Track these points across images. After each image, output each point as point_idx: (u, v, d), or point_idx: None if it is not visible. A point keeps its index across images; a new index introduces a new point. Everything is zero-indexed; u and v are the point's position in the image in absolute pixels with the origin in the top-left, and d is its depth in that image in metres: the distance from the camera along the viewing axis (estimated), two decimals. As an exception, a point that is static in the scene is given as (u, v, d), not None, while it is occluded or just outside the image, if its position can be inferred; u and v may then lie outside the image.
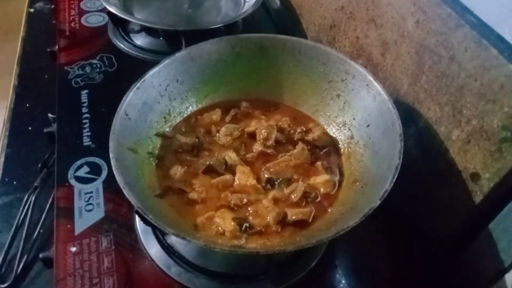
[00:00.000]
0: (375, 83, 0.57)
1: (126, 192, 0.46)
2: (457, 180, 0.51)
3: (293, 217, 0.52)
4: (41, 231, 0.61)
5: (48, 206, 0.62)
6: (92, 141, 0.67)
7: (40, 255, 0.55)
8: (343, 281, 0.55)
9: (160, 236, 0.56)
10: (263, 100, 0.67)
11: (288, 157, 0.59)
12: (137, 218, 0.57)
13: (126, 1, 0.91)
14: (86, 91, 0.75)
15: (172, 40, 0.80)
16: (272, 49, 0.66)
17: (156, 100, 0.61)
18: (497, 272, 0.48)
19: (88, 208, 0.58)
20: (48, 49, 0.85)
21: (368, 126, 0.58)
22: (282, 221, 0.52)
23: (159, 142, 0.60)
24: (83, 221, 0.57)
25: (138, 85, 0.58)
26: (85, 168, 0.63)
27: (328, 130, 0.63)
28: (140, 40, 0.86)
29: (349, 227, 0.43)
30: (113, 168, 0.48)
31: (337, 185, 0.56)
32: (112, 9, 0.81)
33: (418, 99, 0.57)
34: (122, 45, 0.86)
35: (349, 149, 0.60)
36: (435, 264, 0.55)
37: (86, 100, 0.73)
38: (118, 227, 0.57)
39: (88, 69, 0.80)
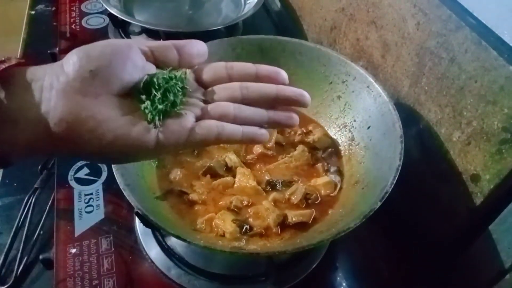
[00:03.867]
0: (376, 85, 0.57)
1: (126, 193, 0.46)
2: (457, 181, 0.51)
3: (294, 219, 0.52)
4: (41, 232, 0.61)
5: (48, 207, 0.62)
6: (93, 142, 0.66)
7: (40, 257, 0.55)
8: (344, 283, 0.55)
9: (160, 237, 0.56)
10: (263, 101, 0.67)
11: (288, 159, 0.59)
12: (137, 220, 0.57)
13: (127, 3, 0.91)
14: (86, 92, 0.75)
15: (173, 41, 0.80)
16: (272, 50, 0.65)
17: (156, 102, 0.61)
18: (498, 273, 0.48)
19: (88, 209, 0.58)
20: (49, 51, 0.85)
21: (368, 127, 0.58)
22: (283, 223, 0.52)
23: (160, 144, 0.60)
24: (83, 223, 0.57)
25: (138, 86, 0.58)
26: (85, 170, 0.63)
27: (328, 132, 0.63)
28: (141, 41, 0.86)
29: (349, 229, 0.43)
30: (114, 170, 0.48)
31: (338, 186, 0.56)
32: (112, 11, 0.81)
33: (418, 101, 0.57)
34: (122, 47, 0.86)
35: (350, 151, 0.60)
36: (436, 265, 0.55)
37: (86, 101, 0.73)
38: (118, 229, 0.57)
39: (88, 70, 0.80)
